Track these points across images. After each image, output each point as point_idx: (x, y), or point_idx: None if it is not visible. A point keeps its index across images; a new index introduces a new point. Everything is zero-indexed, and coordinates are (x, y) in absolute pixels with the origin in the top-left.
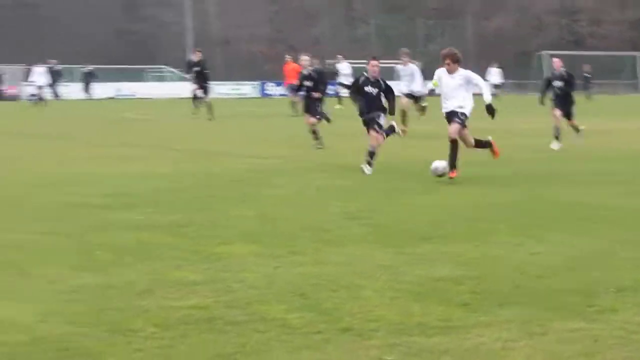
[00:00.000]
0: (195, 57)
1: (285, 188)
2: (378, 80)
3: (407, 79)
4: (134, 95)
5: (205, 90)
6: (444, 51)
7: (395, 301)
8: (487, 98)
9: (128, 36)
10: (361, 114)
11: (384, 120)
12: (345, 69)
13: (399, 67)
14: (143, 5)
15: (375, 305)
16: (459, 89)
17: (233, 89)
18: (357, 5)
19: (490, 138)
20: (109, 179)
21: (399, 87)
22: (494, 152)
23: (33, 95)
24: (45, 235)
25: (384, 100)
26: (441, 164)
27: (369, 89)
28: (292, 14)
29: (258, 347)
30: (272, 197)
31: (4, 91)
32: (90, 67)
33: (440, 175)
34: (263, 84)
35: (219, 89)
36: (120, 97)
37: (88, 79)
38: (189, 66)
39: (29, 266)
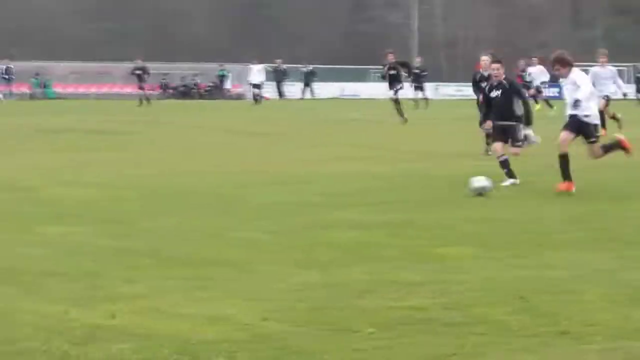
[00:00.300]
0: (389, 59)
1: (506, 190)
2: (501, 83)
3: (605, 82)
4: (357, 96)
5: (396, 90)
6: (552, 55)
7: (615, 306)
8: (579, 95)
9: (355, 37)
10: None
11: (522, 132)
12: (539, 74)
13: (596, 69)
14: (371, 7)
15: (595, 310)
16: (573, 94)
17: (457, 91)
18: (585, 8)
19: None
20: (328, 178)
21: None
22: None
23: (255, 94)
24: (268, 234)
25: (516, 105)
26: (481, 182)
27: (493, 93)
28: (518, 17)
29: (475, 349)
30: (492, 200)
31: (229, 90)
32: (310, 67)
33: (480, 194)
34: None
35: (443, 90)
36: (343, 97)
37: (309, 78)
38: (386, 69)
39: (253, 264)
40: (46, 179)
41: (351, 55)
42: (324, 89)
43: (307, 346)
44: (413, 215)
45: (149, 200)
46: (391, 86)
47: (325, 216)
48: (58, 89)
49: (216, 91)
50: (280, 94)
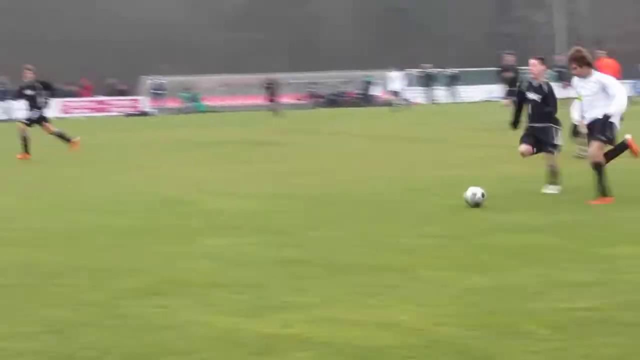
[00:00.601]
0: (506, 60)
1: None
2: (540, 85)
3: None
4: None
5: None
6: (568, 54)
7: None
8: (610, 110)
9: (499, 38)
10: (513, 124)
11: (558, 136)
12: None
13: None
14: (515, 7)
15: None
16: (598, 94)
17: None
18: None
19: (627, 137)
20: (487, 181)
21: None
22: (633, 152)
23: (403, 100)
24: (433, 239)
25: (552, 108)
26: (478, 190)
27: (531, 95)
28: None
29: None
30: None
31: (377, 97)
32: (455, 71)
33: (477, 205)
34: (636, 82)
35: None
36: (492, 100)
37: (452, 82)
38: (499, 71)
39: (421, 269)
40: (205, 191)
41: (497, 56)
42: (471, 92)
43: (483, 350)
44: (574, 216)
45: (310, 209)
46: (506, 90)
47: (488, 219)
48: (206, 102)
49: (365, 98)
50: (430, 98)
